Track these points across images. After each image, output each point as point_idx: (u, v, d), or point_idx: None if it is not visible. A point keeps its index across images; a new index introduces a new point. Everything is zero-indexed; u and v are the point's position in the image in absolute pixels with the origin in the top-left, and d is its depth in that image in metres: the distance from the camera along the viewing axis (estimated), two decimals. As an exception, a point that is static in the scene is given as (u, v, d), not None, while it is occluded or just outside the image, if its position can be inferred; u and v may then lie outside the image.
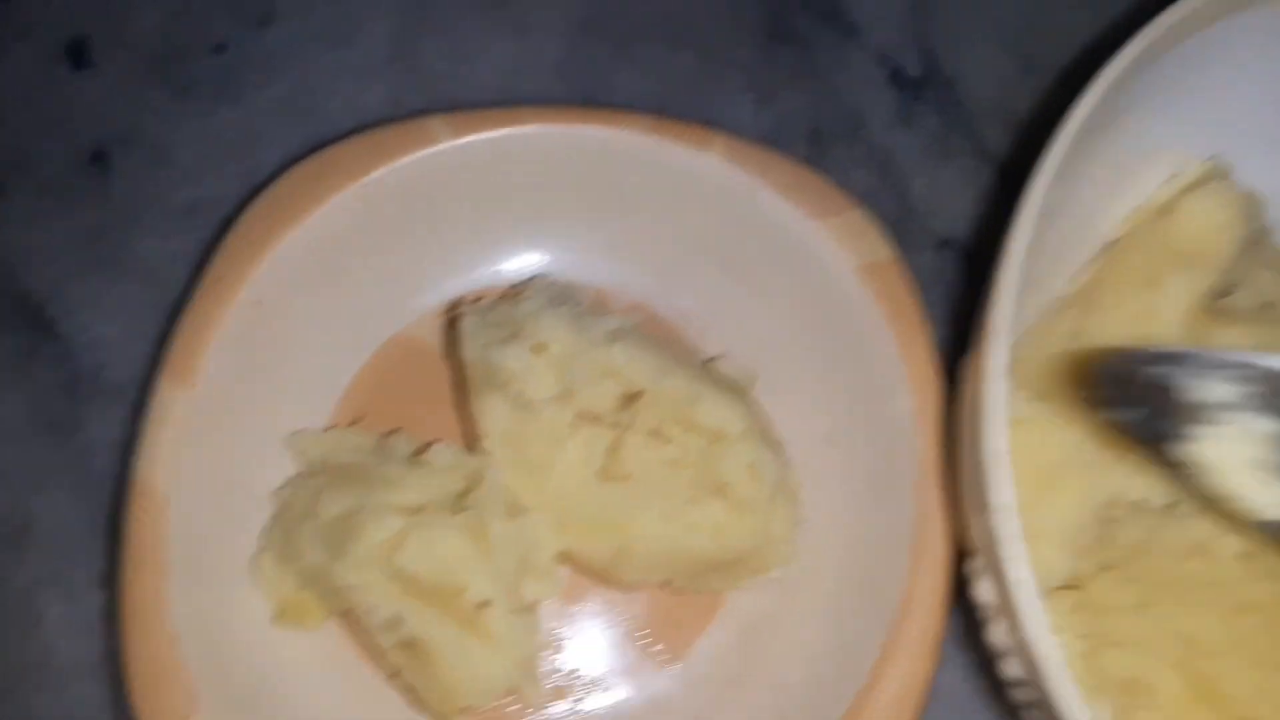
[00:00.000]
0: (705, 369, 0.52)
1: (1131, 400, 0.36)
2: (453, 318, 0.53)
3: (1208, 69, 0.48)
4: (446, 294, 0.55)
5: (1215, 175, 0.48)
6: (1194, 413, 0.35)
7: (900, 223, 0.59)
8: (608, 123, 0.52)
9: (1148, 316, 0.44)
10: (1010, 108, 0.63)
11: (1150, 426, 0.35)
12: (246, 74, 0.61)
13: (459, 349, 0.49)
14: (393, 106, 0.61)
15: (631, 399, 0.50)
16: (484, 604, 0.45)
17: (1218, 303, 0.46)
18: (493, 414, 0.48)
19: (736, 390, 0.51)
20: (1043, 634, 0.35)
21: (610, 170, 0.53)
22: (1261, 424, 0.34)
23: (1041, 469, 0.43)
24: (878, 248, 0.51)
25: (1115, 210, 0.50)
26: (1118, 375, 0.36)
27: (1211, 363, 0.35)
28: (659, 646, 0.52)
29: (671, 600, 0.52)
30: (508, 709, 0.50)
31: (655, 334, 0.54)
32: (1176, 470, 0.36)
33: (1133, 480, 0.43)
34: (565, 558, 0.50)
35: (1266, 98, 0.49)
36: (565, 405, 0.48)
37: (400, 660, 0.47)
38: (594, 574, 0.51)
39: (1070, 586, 0.44)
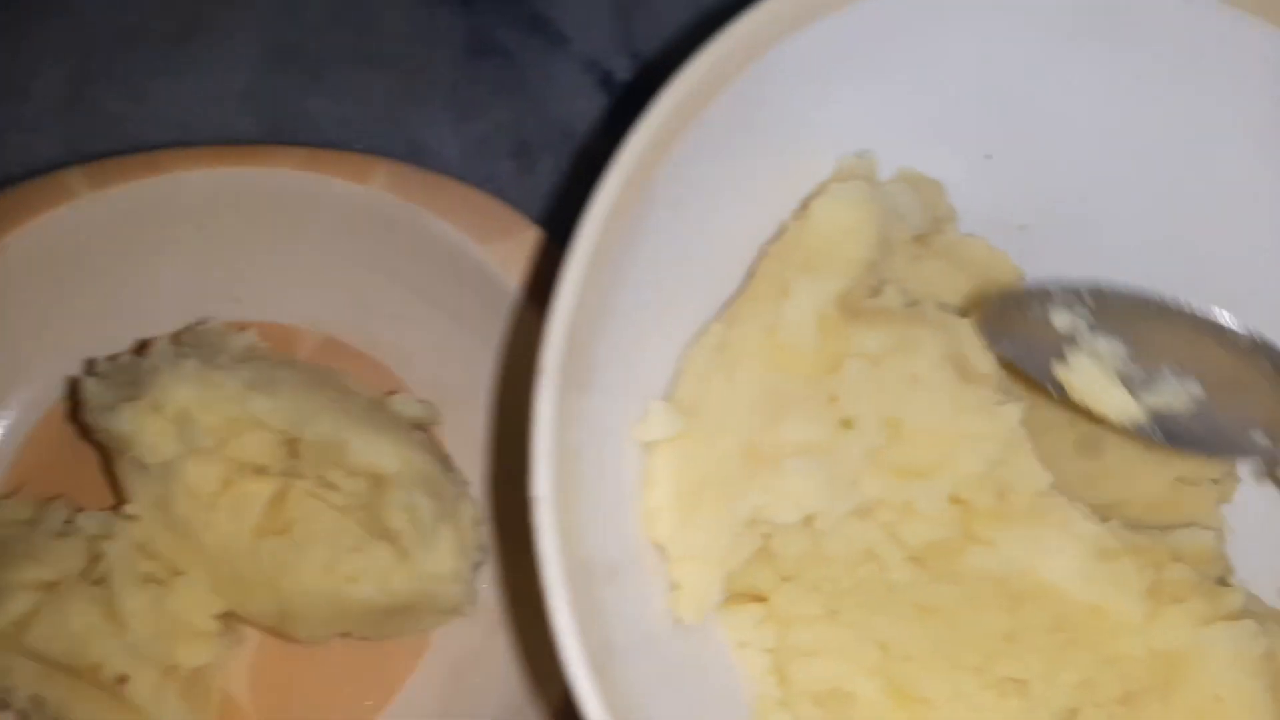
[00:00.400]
0: (377, 407, 0.50)
1: (1014, 336, 0.41)
2: (75, 380, 0.50)
3: (855, 52, 0.44)
4: (119, 348, 0.52)
5: (856, 172, 0.45)
6: (1059, 342, 0.40)
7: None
8: (259, 162, 0.50)
9: (778, 326, 0.42)
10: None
11: (1030, 358, 0.41)
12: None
13: (85, 414, 0.46)
14: (67, 154, 0.56)
15: (295, 447, 0.48)
16: (122, 678, 0.43)
17: (865, 303, 0.44)
18: (134, 476, 0.46)
19: (406, 428, 0.49)
20: (568, 627, 0.33)
21: (271, 211, 0.51)
22: (1104, 343, 0.40)
23: (686, 487, 0.41)
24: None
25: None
26: (999, 315, 0.42)
27: (1060, 295, 0.40)
28: (369, 701, 0.49)
29: (375, 647, 0.50)
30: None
31: (336, 370, 0.51)
32: (1061, 395, 0.41)
33: (770, 496, 0.41)
34: (235, 618, 0.48)
35: (929, 82, 0.47)
36: (213, 461, 0.45)
37: (51, 742, 0.45)
38: (270, 632, 0.48)
39: (757, 599, 0.42)
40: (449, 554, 0.46)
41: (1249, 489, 0.48)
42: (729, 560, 0.40)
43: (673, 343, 0.42)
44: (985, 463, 0.40)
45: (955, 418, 0.40)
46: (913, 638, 0.41)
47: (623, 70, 0.61)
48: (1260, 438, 0.42)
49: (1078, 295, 0.41)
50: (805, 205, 0.43)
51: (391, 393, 0.51)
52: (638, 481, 0.40)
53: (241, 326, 0.51)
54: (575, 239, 0.36)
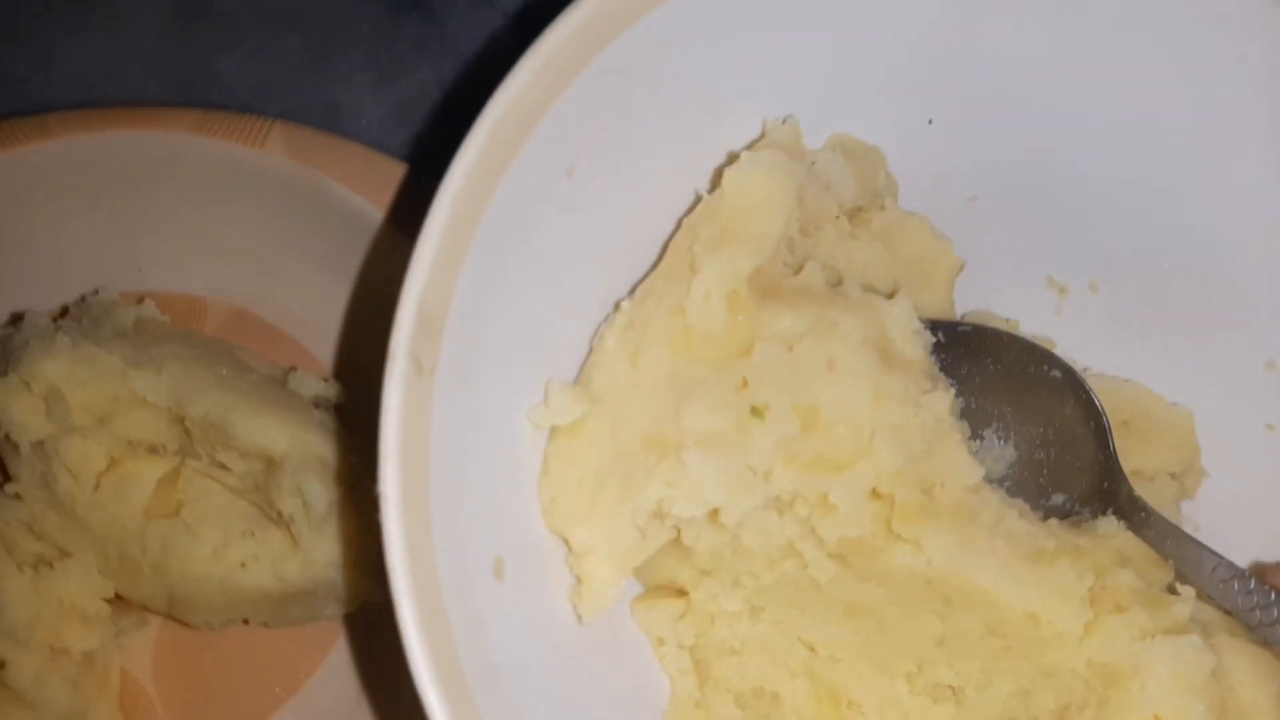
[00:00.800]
0: (275, 384, 0.47)
1: None
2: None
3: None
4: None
5: (779, 138, 0.41)
6: None
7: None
8: (152, 125, 0.47)
9: (686, 306, 0.38)
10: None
11: None
12: None
13: None
14: None
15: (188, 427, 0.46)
16: (1, 663, 0.41)
17: (782, 283, 0.40)
18: (14, 455, 0.43)
19: (305, 407, 0.46)
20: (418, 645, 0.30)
21: (168, 177, 0.48)
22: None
23: (589, 476, 0.38)
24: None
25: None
26: None
27: None
28: (278, 688, 0.47)
29: (286, 634, 0.47)
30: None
31: (236, 345, 0.49)
32: None
33: (671, 489, 0.37)
34: (127, 600, 0.45)
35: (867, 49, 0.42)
36: (95, 439, 0.43)
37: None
38: (167, 617, 0.46)
39: (679, 593, 0.40)
40: (345, 541, 0.44)
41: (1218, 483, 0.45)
42: (636, 554, 0.37)
43: (584, 321, 0.38)
44: (908, 455, 0.37)
45: (875, 406, 0.37)
46: (841, 639, 0.39)
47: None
48: (1060, 500, 0.40)
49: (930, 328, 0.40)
50: (717, 175, 0.40)
51: (292, 369, 0.48)
52: (535, 470, 0.37)
53: (140, 299, 0.48)
54: (432, 208, 0.32)
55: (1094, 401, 0.41)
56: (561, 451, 0.37)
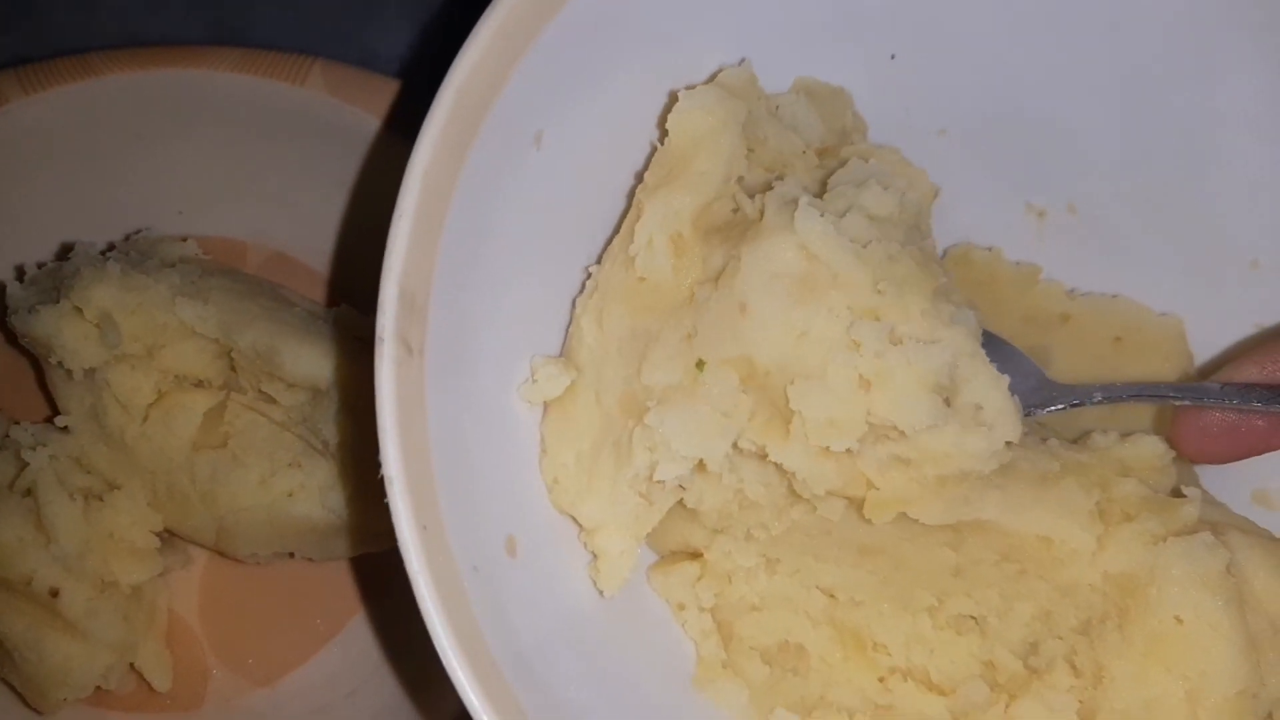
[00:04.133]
0: (317, 319, 0.46)
1: None
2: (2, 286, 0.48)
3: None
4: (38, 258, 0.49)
5: (732, 83, 0.38)
6: None
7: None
8: (192, 63, 0.47)
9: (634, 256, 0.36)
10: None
11: None
12: None
13: (10, 320, 0.44)
14: (12, 62, 0.58)
15: (234, 360, 0.47)
16: (54, 592, 0.41)
17: (730, 220, 0.37)
18: (64, 387, 0.44)
19: (349, 341, 0.45)
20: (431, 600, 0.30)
21: (209, 117, 0.48)
22: None
23: (584, 449, 0.37)
24: None
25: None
26: None
27: None
28: (318, 620, 0.49)
29: (328, 573, 0.48)
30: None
31: (277, 283, 0.49)
32: None
33: (650, 451, 0.35)
34: (175, 534, 0.46)
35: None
36: (144, 371, 0.44)
37: (-9, 656, 0.42)
38: (214, 550, 0.47)
39: (693, 556, 0.39)
40: None
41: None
42: (645, 521, 0.36)
43: (567, 292, 0.37)
44: (847, 395, 0.33)
45: (799, 347, 0.33)
46: (858, 580, 0.38)
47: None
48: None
49: None
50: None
51: (336, 305, 0.49)
52: (536, 450, 0.36)
53: (183, 239, 0.49)
54: (403, 185, 0.31)
55: None
56: (555, 427, 0.36)
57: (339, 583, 0.49)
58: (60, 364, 0.43)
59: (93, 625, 0.42)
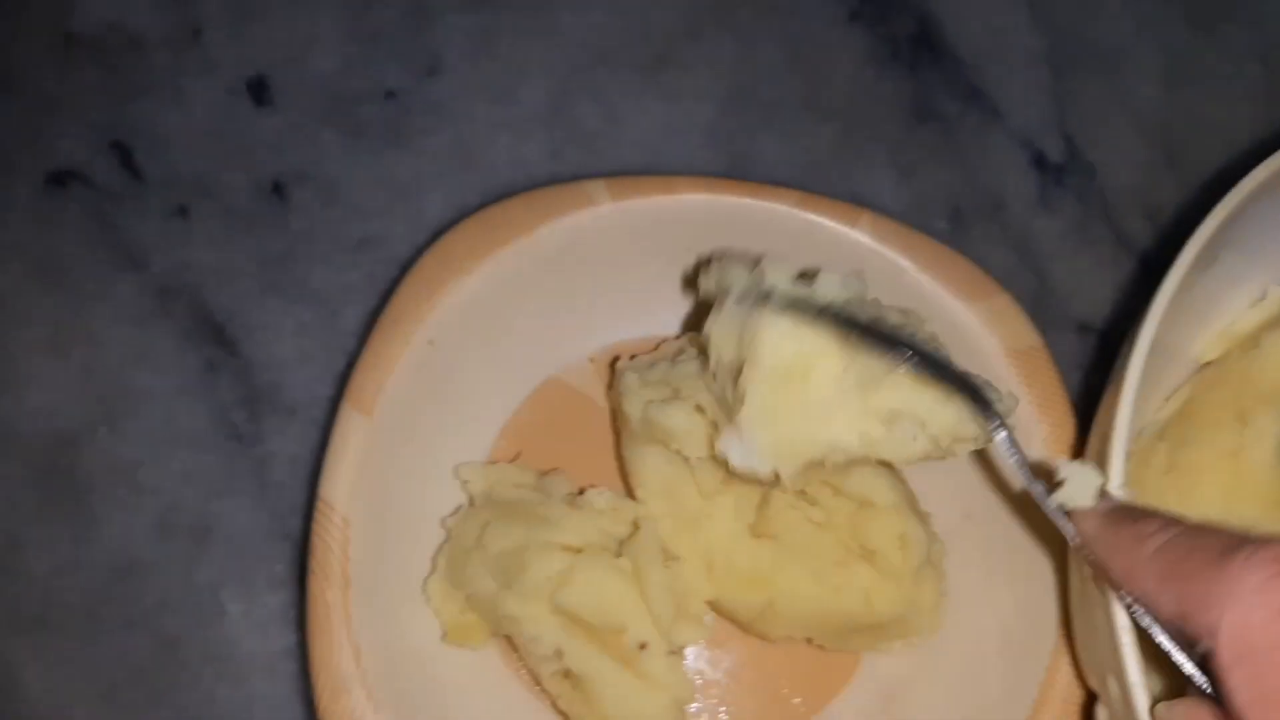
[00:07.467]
0: None
1: None
2: (615, 371, 0.55)
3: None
4: (600, 343, 0.57)
5: None
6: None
7: (1039, 305, 0.61)
8: (758, 195, 0.54)
9: (1237, 454, 0.44)
10: (1151, 199, 0.64)
11: None
12: (414, 121, 0.63)
13: (621, 403, 0.51)
14: (551, 160, 0.62)
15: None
16: (643, 645, 0.47)
17: None
18: (650, 466, 0.51)
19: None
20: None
21: (759, 241, 0.54)
22: None
23: None
24: (1025, 333, 0.52)
25: (1201, 332, 0.51)
26: None
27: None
28: (797, 700, 0.54)
29: (811, 655, 0.53)
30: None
31: None
32: None
33: None
34: (713, 606, 0.52)
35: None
36: (716, 463, 0.49)
37: (558, 689, 0.48)
38: (739, 624, 0.53)
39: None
40: (931, 584, 0.50)
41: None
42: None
43: None
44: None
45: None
46: None
47: (1055, 152, 0.65)
48: None
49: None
50: (1250, 333, 0.49)
51: None
52: None
53: None
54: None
55: None
56: None
57: (823, 666, 0.54)
58: (665, 451, 0.50)
59: (667, 681, 0.48)
